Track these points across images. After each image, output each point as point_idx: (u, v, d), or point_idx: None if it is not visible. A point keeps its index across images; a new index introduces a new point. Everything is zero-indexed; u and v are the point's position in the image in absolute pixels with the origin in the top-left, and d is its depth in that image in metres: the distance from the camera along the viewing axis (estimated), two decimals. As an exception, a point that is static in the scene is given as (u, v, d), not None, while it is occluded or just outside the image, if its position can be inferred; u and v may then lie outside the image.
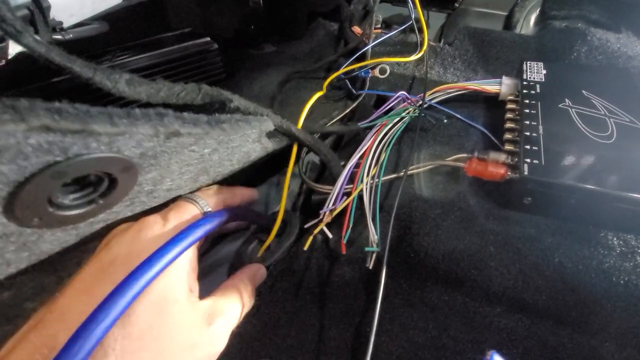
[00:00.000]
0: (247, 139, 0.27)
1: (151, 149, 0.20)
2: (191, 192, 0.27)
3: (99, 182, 0.20)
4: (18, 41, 0.21)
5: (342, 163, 0.35)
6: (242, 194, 0.30)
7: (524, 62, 0.41)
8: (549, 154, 0.29)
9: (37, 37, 0.23)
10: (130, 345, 0.18)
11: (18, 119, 0.15)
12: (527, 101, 0.35)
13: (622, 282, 0.26)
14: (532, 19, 0.52)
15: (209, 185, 0.28)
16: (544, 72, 0.40)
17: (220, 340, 0.22)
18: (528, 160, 0.29)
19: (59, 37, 0.40)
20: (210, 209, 0.25)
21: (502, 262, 0.28)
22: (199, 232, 0.22)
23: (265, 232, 0.31)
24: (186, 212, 0.24)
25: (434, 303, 0.28)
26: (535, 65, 0.41)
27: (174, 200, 0.26)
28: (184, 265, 0.21)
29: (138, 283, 0.18)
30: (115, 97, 0.24)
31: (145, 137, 0.19)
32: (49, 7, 0.34)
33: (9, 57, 0.32)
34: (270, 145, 0.30)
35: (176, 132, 0.21)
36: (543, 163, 0.29)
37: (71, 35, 0.41)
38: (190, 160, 0.24)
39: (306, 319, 0.27)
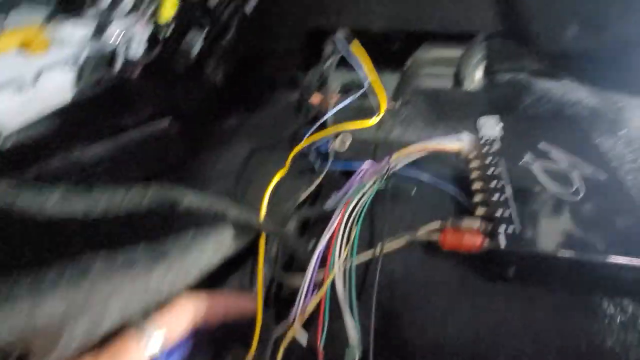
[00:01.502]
0: (204, 254, 0.24)
1: (79, 297, 0.17)
2: (145, 317, 0.23)
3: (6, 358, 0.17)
4: None
5: (313, 243, 0.33)
6: (226, 307, 0.25)
7: (479, 118, 0.42)
8: (523, 219, 0.28)
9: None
10: None
11: None
12: (489, 160, 0.35)
13: (631, 358, 0.23)
14: (479, 73, 0.55)
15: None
16: (500, 125, 0.40)
17: None
18: (503, 229, 0.28)
19: (-3, 145, 0.37)
20: (163, 345, 0.21)
21: (493, 342, 0.25)
22: None
23: (237, 340, 0.27)
24: (130, 356, 0.20)
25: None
26: (490, 120, 0.41)
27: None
28: None
29: None
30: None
31: (69, 289, 0.16)
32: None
33: None
34: (232, 248, 0.28)
35: (111, 270, 0.18)
36: (518, 231, 0.27)
37: (10, 143, 0.39)
38: (134, 295, 0.20)
39: None
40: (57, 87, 0.45)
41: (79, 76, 0.48)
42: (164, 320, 0.21)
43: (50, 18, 0.30)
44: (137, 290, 0.20)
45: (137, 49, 0.50)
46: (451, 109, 0.49)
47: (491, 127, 0.41)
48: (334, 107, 0.54)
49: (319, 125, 0.51)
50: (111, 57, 0.50)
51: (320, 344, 0.26)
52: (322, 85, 0.61)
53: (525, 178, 0.32)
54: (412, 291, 0.29)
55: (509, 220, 0.28)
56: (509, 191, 0.31)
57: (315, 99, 0.60)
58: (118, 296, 0.19)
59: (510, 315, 0.26)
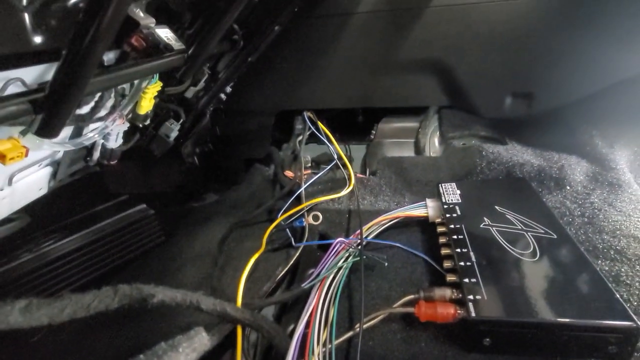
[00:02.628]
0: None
1: None
2: None
3: None
4: None
5: (291, 327, 0.33)
6: None
7: (439, 185, 0.45)
8: (488, 285, 0.30)
9: None
10: None
11: None
12: (452, 226, 0.37)
13: None
14: (436, 141, 0.61)
15: None
16: (458, 192, 0.44)
17: None
18: (471, 297, 0.29)
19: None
20: None
21: None
22: None
23: None
24: None
25: None
26: (449, 187, 0.45)
27: None
28: None
29: None
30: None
31: None
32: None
33: None
34: (209, 345, 0.27)
35: None
36: (485, 298, 0.28)
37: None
38: None
39: None
40: (32, 184, 0.46)
41: (55, 171, 0.49)
42: None
43: (27, 131, 0.32)
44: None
45: (116, 142, 0.52)
46: (415, 176, 0.53)
47: (451, 192, 0.44)
48: (307, 180, 0.57)
49: (295, 199, 0.54)
50: (89, 150, 0.51)
51: None
52: (294, 159, 0.65)
53: (487, 242, 0.35)
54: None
55: (475, 289, 0.30)
56: (473, 257, 0.33)
57: (289, 173, 0.64)
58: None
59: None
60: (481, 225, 0.37)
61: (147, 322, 0.37)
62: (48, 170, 0.48)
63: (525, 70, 0.57)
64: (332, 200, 0.53)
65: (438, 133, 0.60)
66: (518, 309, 0.27)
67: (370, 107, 0.66)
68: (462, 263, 0.32)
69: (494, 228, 0.36)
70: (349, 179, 0.55)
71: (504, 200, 0.40)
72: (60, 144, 0.42)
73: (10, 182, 0.42)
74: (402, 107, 0.65)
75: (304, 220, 0.46)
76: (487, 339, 0.28)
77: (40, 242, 0.50)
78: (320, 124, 0.62)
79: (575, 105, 0.57)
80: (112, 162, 0.57)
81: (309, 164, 0.63)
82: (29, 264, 0.47)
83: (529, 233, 0.35)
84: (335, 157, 0.58)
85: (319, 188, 0.55)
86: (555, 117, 0.57)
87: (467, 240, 0.35)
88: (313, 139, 0.65)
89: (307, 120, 0.65)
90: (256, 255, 0.42)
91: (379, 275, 0.38)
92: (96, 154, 0.53)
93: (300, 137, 0.64)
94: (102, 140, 0.52)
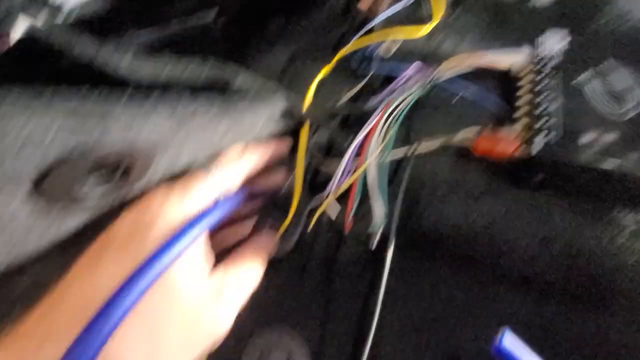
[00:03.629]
0: (258, 120, 0.27)
1: (168, 131, 0.20)
2: (210, 162, 0.25)
3: (117, 167, 0.21)
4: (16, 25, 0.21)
5: (350, 139, 0.35)
6: (272, 152, 0.28)
7: (544, 32, 0.39)
8: (565, 131, 0.28)
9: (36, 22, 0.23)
10: (127, 324, 0.17)
11: (45, 105, 0.15)
12: (546, 72, 0.34)
13: (631, 261, 0.25)
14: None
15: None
16: (567, 39, 0.37)
17: (227, 318, 0.21)
18: (540, 137, 0.28)
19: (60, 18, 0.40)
20: (223, 187, 0.24)
21: (510, 239, 0.28)
22: (214, 217, 0.22)
23: (277, 211, 0.31)
24: (199, 189, 0.22)
25: (439, 279, 0.28)
26: (555, 35, 0.38)
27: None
28: (198, 250, 0.20)
29: (150, 273, 0.17)
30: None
31: (163, 119, 0.19)
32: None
33: (11, 44, 0.33)
34: (279, 127, 0.30)
35: (192, 113, 0.21)
36: (553, 142, 0.28)
37: (72, 18, 0.41)
38: (203, 143, 0.24)
39: (312, 295, 0.28)
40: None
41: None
42: (225, 165, 0.25)
43: None
44: (205, 139, 0.23)
45: None
46: (515, 22, 0.45)
47: (555, 42, 0.38)
48: (384, 12, 0.51)
49: (366, 32, 0.50)
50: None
51: (349, 217, 0.29)
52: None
53: (577, 95, 0.31)
54: (439, 185, 0.31)
55: (547, 131, 0.29)
56: (554, 105, 0.30)
57: (364, 3, 0.57)
58: (191, 140, 0.22)
59: (530, 214, 0.28)
60: (578, 78, 0.33)
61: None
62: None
63: None
64: (408, 38, 0.48)
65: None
66: (583, 155, 0.27)
67: None
68: (540, 108, 0.30)
69: (592, 82, 0.32)
70: (433, 15, 0.48)
71: (621, 54, 0.34)
72: None
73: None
74: None
75: (375, 50, 0.44)
76: (540, 176, 0.29)
77: (122, 28, 0.52)
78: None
79: None
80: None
81: (389, -5, 0.55)
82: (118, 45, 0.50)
83: (633, 93, 0.31)
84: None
85: (396, 23, 0.50)
86: None
87: (555, 89, 0.32)
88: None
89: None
90: (324, 71, 0.42)
91: (443, 112, 0.38)
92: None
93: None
94: None
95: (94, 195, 0.20)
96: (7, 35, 0.30)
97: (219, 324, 0.21)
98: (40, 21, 0.26)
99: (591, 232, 0.27)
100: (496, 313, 0.26)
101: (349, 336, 0.26)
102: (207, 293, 0.20)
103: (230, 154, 0.26)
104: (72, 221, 0.21)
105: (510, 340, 0.22)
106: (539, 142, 0.28)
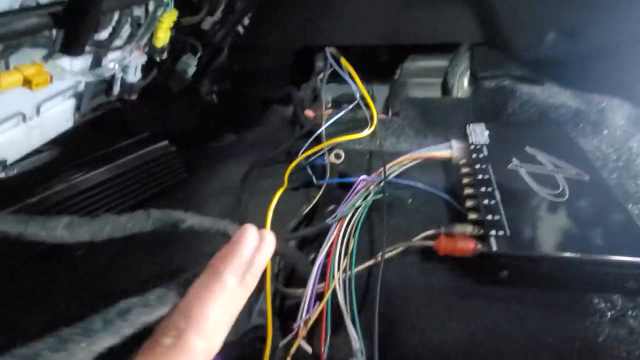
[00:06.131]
0: None
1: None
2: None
3: None
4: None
5: (312, 257, 0.34)
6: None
7: (467, 126, 0.43)
8: (512, 223, 0.29)
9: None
10: None
11: None
12: (478, 166, 0.36)
13: (623, 354, 0.24)
14: (465, 81, 0.57)
15: None
16: (487, 132, 0.42)
17: None
18: (493, 232, 0.29)
19: (2, 175, 0.39)
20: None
21: (492, 350, 0.26)
22: None
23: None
24: None
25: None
26: (477, 127, 0.43)
27: None
28: None
29: None
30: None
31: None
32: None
33: None
34: None
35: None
36: (508, 234, 0.28)
37: (15, 171, 0.40)
38: None
39: None
40: (58, 116, 0.47)
41: (79, 104, 0.49)
42: None
43: (49, 55, 0.32)
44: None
45: (135, 75, 0.52)
46: (440, 117, 0.50)
47: (479, 133, 0.42)
48: (328, 120, 0.56)
49: (314, 139, 0.53)
50: (109, 84, 0.51)
51: (324, 352, 0.26)
52: (315, 99, 0.63)
53: (514, 182, 0.34)
54: (411, 296, 0.30)
55: (499, 224, 0.30)
56: (498, 196, 0.32)
57: (309, 113, 0.62)
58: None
59: (506, 316, 0.27)
60: (509, 166, 0.36)
61: (176, 249, 0.39)
62: (72, 102, 0.49)
63: (569, 2, 0.51)
64: (352, 141, 0.52)
65: (468, 73, 0.56)
66: (539, 244, 0.27)
67: (396, 43, 0.61)
68: (486, 201, 0.32)
69: (522, 168, 0.35)
70: (371, 118, 0.53)
71: (536, 141, 0.38)
72: (81, 74, 0.42)
73: (38, 112, 0.42)
74: (431, 45, 0.60)
75: (325, 158, 0.46)
76: (504, 274, 0.29)
77: (70, 173, 0.52)
78: (343, 60, 0.59)
79: (624, 43, 0.52)
80: (132, 97, 0.57)
81: (330, 104, 0.61)
82: (61, 194, 0.50)
83: (559, 174, 0.34)
84: (358, 96, 0.56)
85: (339, 128, 0.54)
86: (601, 56, 0.52)
87: (493, 180, 0.34)
88: (334, 78, 0.62)
89: (330, 57, 0.61)
90: (280, 192, 0.42)
91: (399, 213, 0.39)
92: (116, 88, 0.52)
93: (321, 75, 0.62)
94: (121, 74, 0.51)
95: None
96: None
97: None
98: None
99: (573, 328, 0.26)
100: None
101: None
102: None
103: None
104: None
105: None
106: (493, 239, 0.28)
